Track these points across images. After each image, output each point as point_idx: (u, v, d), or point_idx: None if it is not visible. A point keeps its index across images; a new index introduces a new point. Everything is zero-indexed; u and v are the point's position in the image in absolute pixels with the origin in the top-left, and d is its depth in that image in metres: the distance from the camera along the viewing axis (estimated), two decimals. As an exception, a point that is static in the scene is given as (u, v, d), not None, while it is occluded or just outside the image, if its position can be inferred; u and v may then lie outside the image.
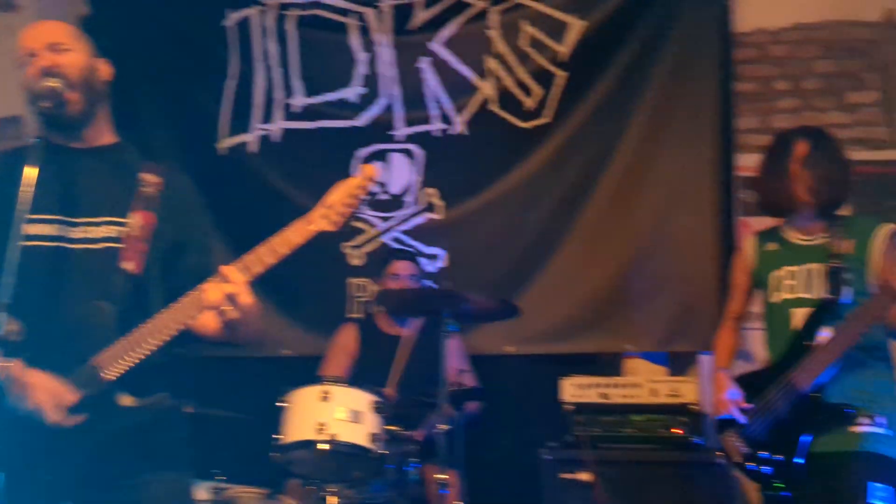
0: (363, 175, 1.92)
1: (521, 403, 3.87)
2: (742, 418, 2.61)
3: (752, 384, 2.64)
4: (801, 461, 2.45)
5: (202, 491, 2.95)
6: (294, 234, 1.85)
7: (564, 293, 3.91)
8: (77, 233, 1.91)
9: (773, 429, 2.54)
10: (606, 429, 3.44)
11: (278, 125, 4.27)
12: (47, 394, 1.75)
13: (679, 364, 3.89)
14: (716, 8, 3.91)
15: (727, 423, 2.66)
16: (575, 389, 3.51)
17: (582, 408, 3.47)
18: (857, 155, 4.02)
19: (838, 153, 2.69)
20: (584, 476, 3.31)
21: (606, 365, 3.86)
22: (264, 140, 4.28)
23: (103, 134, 2.04)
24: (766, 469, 2.55)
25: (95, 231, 1.91)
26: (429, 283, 3.86)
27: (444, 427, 2.95)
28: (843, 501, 2.39)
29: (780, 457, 2.50)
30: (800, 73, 4.03)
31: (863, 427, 2.42)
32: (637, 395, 3.46)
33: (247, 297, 1.79)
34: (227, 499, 2.95)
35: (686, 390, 3.45)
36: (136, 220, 1.91)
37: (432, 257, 4.06)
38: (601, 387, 3.50)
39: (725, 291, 3.03)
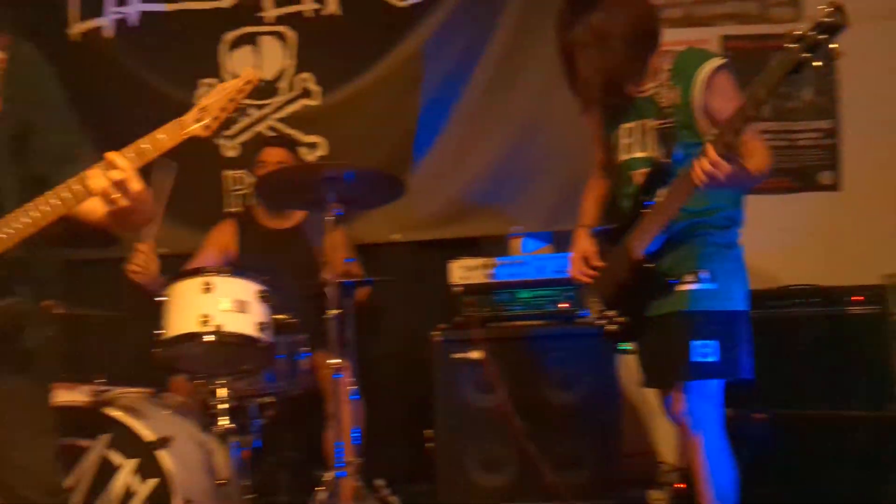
0: (243, 78, 1.81)
1: (410, 289, 3.85)
2: (586, 278, 2.59)
3: (607, 239, 2.58)
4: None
5: (80, 394, 2.80)
6: (166, 138, 1.74)
7: (448, 177, 3.85)
8: None
9: (619, 291, 2.50)
10: (495, 307, 3.48)
11: (135, 7, 3.94)
12: None
13: (563, 242, 3.93)
14: None
15: (584, 285, 2.64)
16: (463, 271, 3.51)
17: (470, 288, 3.49)
18: (730, 30, 4.13)
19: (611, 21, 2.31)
20: (474, 355, 3.36)
21: (492, 246, 3.87)
22: (120, 24, 3.94)
23: None
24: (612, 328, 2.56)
25: None
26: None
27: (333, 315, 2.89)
28: (671, 362, 2.38)
29: (624, 318, 2.51)
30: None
31: (687, 286, 2.36)
32: (523, 273, 3.50)
33: (136, 184, 1.71)
34: (107, 401, 2.81)
35: (558, 265, 3.49)
36: None
37: (312, 146, 3.91)
38: (488, 267, 3.51)
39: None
